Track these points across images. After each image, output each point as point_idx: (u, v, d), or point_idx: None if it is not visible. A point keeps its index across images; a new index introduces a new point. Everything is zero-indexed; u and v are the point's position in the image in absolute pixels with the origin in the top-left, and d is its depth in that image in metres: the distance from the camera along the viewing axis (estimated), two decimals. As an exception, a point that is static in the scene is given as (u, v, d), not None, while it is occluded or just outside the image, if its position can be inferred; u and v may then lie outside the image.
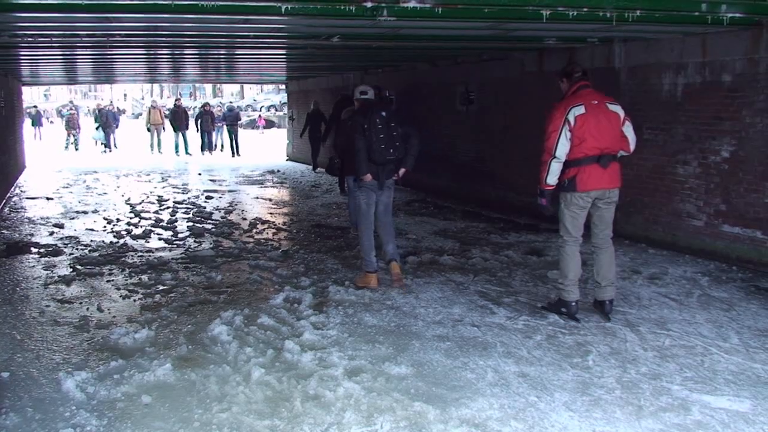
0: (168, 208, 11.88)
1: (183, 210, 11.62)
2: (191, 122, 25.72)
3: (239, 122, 25.46)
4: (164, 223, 10.27)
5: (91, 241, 9.00)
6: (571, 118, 5.33)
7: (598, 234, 5.66)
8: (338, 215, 10.84)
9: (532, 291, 6.49)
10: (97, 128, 26.60)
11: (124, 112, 27.53)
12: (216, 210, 11.63)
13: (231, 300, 6.32)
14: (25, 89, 23.35)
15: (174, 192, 14.16)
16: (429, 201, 12.31)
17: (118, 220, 10.64)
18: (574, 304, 5.64)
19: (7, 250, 8.38)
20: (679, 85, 7.99)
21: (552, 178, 5.45)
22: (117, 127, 27.51)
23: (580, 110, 5.35)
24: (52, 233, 9.54)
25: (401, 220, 10.11)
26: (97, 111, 27.39)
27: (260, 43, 9.47)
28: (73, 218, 10.86)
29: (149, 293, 6.56)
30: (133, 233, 9.52)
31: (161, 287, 6.76)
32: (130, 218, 10.78)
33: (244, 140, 25.13)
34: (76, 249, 8.50)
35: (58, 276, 7.18)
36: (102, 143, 25.55)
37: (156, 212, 11.39)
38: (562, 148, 5.36)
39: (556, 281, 5.91)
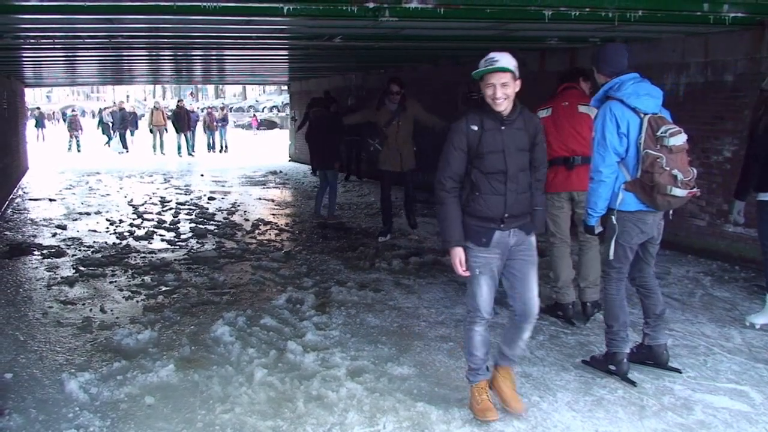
0: (170, 209, 11.89)
1: (185, 211, 11.62)
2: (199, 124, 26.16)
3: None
4: (167, 225, 10.28)
5: (94, 242, 9.01)
6: None
7: (579, 235, 5.60)
8: (341, 216, 10.84)
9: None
10: (114, 133, 26.67)
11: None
12: (218, 211, 11.64)
13: (234, 301, 6.33)
14: (27, 91, 23.39)
15: (177, 193, 14.16)
16: (431, 201, 12.28)
17: (120, 221, 10.65)
18: (570, 306, 5.62)
19: (10, 252, 8.40)
20: (681, 85, 7.99)
21: None
22: (137, 128, 27.79)
23: (545, 113, 5.48)
24: (54, 234, 9.55)
25: (404, 221, 10.10)
26: (117, 112, 27.53)
27: (262, 44, 9.48)
28: (75, 219, 10.87)
29: (152, 294, 6.57)
30: (135, 234, 9.53)
31: (164, 288, 6.77)
32: (133, 219, 10.78)
33: (241, 141, 25.29)
34: (79, 250, 8.51)
35: (61, 277, 7.19)
36: (122, 148, 25.58)
37: (159, 213, 11.40)
38: None
39: (551, 284, 5.88)
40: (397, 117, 8.57)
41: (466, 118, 3.85)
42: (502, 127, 3.80)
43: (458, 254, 3.81)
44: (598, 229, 4.46)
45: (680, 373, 4.52)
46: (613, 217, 4.32)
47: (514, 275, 3.90)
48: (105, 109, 31.75)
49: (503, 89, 3.77)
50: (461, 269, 3.82)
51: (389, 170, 8.82)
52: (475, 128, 3.79)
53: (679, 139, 4.13)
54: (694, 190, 4.19)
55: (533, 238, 3.96)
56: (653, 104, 4.24)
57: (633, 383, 4.38)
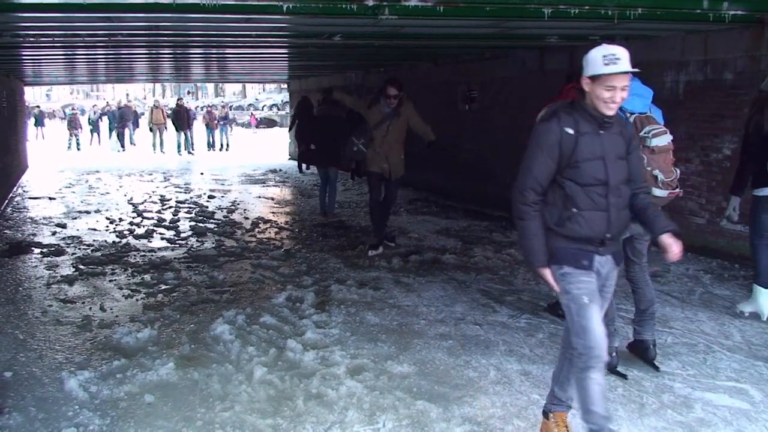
0: (170, 207, 11.89)
1: (185, 209, 11.63)
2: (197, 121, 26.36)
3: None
4: (167, 223, 10.28)
5: (94, 240, 9.01)
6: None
7: None
8: (341, 214, 10.84)
9: (534, 289, 6.49)
10: (111, 134, 26.76)
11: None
12: (218, 209, 11.63)
13: (233, 299, 6.33)
14: (27, 89, 23.39)
15: (176, 191, 14.17)
16: (431, 200, 12.31)
17: (120, 219, 10.65)
18: None
19: (9, 250, 8.40)
20: (681, 83, 7.99)
21: None
22: (137, 126, 27.84)
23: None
24: (54, 233, 9.55)
25: (404, 219, 10.12)
26: (116, 110, 27.65)
27: (262, 42, 9.48)
28: (75, 218, 10.87)
29: (152, 293, 6.57)
30: (135, 233, 9.53)
31: (164, 287, 6.77)
32: (133, 218, 10.79)
33: (240, 139, 25.37)
34: (79, 249, 8.52)
35: (61, 276, 7.19)
36: (119, 147, 25.66)
37: (158, 212, 11.40)
38: None
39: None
40: (388, 120, 7.82)
41: (557, 119, 3.24)
42: (601, 131, 3.23)
43: (548, 273, 3.30)
44: None
45: (658, 370, 4.53)
46: None
47: None
48: (94, 106, 31.82)
49: (623, 93, 3.20)
50: (557, 285, 3.30)
51: (376, 171, 8.06)
52: (571, 132, 3.20)
53: (663, 140, 4.22)
54: (677, 190, 4.27)
55: (616, 272, 3.45)
56: (641, 104, 4.31)
57: (624, 376, 4.42)
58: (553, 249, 3.27)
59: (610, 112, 3.20)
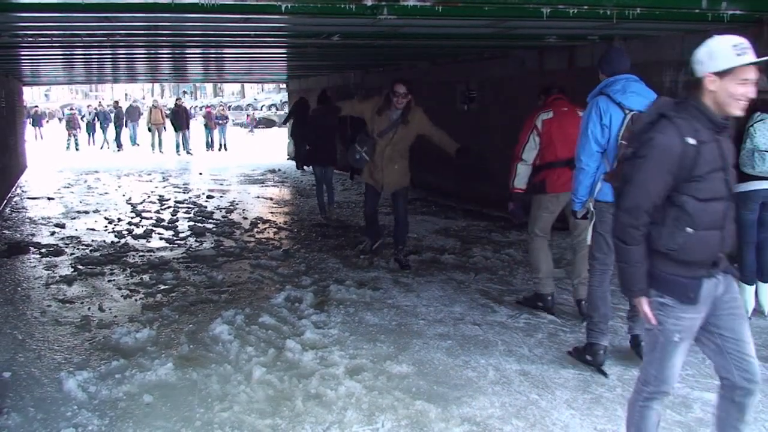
0: (169, 207, 11.88)
1: (184, 209, 11.62)
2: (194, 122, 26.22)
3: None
4: (165, 223, 10.28)
5: (93, 240, 9.00)
6: (538, 122, 5.63)
7: (577, 236, 5.56)
8: (339, 214, 10.83)
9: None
10: (105, 133, 26.79)
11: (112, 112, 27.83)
12: (217, 209, 11.63)
13: (232, 299, 6.33)
14: (25, 89, 23.38)
15: (175, 191, 14.16)
16: (430, 200, 12.30)
17: (119, 219, 10.64)
18: (549, 297, 5.75)
19: (8, 250, 8.39)
20: (680, 83, 7.98)
21: (519, 181, 5.70)
22: (138, 125, 27.82)
23: (548, 115, 5.64)
24: (53, 233, 9.54)
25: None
26: (113, 110, 27.68)
27: (261, 42, 9.47)
28: (74, 218, 10.87)
29: (150, 293, 6.57)
30: (134, 233, 9.53)
31: (162, 287, 6.76)
32: (131, 218, 10.78)
33: (239, 139, 25.37)
34: (78, 249, 8.51)
35: (60, 276, 7.18)
36: (116, 145, 25.69)
37: (157, 212, 11.39)
38: (529, 152, 5.66)
39: (531, 276, 6.07)
40: (393, 128, 7.07)
41: (675, 127, 2.78)
42: (718, 137, 2.83)
43: (646, 303, 2.93)
44: (581, 213, 4.65)
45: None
46: (590, 204, 4.52)
47: (725, 337, 2.95)
48: (89, 107, 31.87)
49: (754, 87, 2.78)
50: (653, 316, 2.92)
51: (369, 183, 7.52)
52: (693, 142, 2.75)
53: None
54: None
55: (736, 283, 3.04)
56: (639, 102, 4.39)
57: (605, 374, 4.50)
58: (655, 273, 2.90)
59: (741, 112, 2.81)
